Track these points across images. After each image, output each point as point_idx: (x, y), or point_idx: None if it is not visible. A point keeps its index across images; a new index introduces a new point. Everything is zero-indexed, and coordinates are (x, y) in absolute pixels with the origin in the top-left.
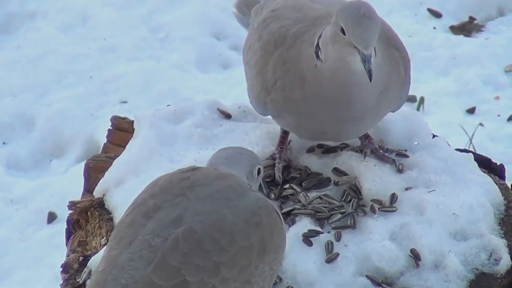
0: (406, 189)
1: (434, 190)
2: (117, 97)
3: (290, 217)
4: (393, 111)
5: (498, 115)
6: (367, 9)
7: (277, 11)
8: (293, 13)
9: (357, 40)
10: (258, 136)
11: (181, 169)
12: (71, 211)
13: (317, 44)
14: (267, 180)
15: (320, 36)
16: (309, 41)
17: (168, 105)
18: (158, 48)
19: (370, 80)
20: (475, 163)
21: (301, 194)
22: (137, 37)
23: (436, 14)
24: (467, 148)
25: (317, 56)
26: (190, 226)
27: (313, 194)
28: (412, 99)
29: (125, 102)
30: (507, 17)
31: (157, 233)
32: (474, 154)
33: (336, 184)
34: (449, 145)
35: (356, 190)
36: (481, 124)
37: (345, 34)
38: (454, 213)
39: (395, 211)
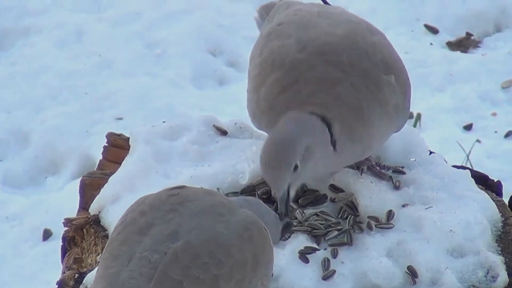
0: (403, 206)
1: (431, 207)
2: (112, 113)
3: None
4: (395, 132)
5: (495, 132)
6: (271, 155)
7: (282, 26)
8: (297, 32)
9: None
10: (254, 153)
11: (167, 188)
12: (67, 228)
13: None
14: (264, 197)
15: None
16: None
17: (164, 122)
18: (154, 64)
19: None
20: (472, 179)
21: (297, 211)
22: (133, 53)
23: (433, 30)
24: (464, 164)
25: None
26: (188, 240)
27: (309, 211)
28: (408, 115)
29: (120, 118)
30: (504, 33)
31: (155, 249)
32: (471, 170)
33: (333, 201)
34: (446, 162)
35: (352, 207)
36: (478, 141)
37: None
38: (451, 230)
39: (392, 228)
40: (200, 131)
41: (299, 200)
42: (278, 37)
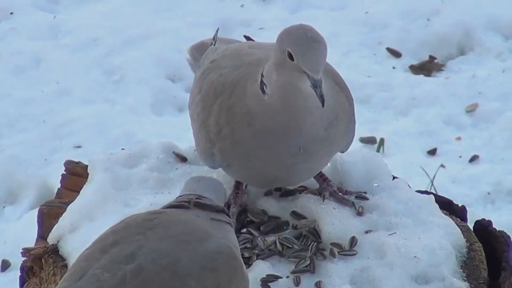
0: (366, 232)
1: (395, 233)
2: (71, 141)
3: (248, 262)
4: (343, 151)
5: (460, 156)
6: (313, 32)
7: (215, 62)
8: (231, 61)
9: (307, 65)
10: None
11: (150, 211)
12: (25, 258)
13: (261, 80)
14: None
15: (262, 72)
16: (252, 80)
17: (123, 149)
18: (113, 91)
19: (323, 105)
20: (437, 205)
21: (259, 239)
22: (91, 80)
23: (396, 54)
24: (428, 189)
25: (263, 91)
26: (140, 264)
27: (271, 238)
28: (372, 140)
29: (79, 146)
30: (468, 56)
31: (108, 268)
32: (436, 196)
33: (295, 227)
34: (410, 187)
35: (315, 234)
36: (442, 166)
37: (292, 59)
38: (415, 256)
39: (355, 254)
40: (159, 158)
41: (261, 227)
42: (215, 70)
